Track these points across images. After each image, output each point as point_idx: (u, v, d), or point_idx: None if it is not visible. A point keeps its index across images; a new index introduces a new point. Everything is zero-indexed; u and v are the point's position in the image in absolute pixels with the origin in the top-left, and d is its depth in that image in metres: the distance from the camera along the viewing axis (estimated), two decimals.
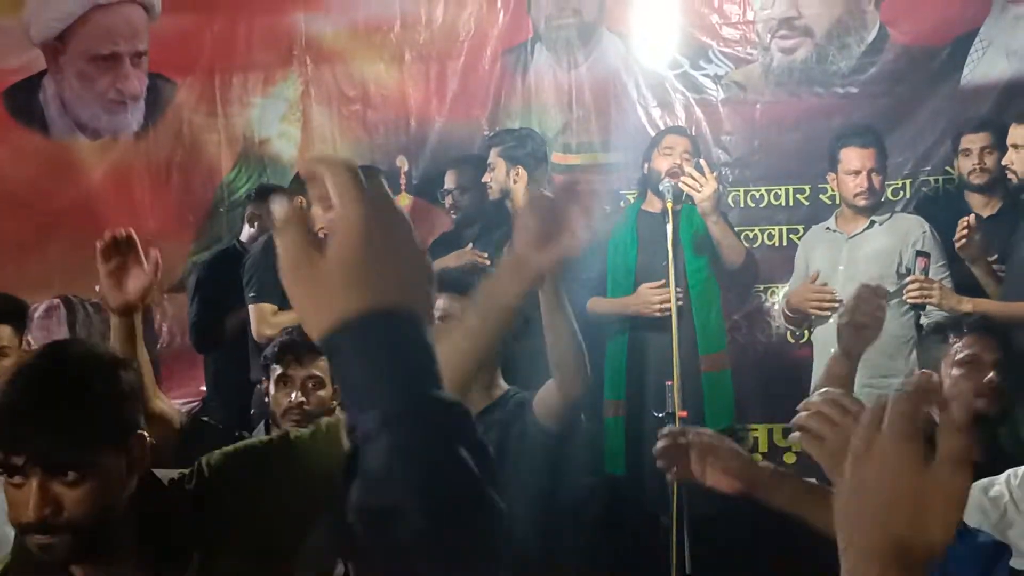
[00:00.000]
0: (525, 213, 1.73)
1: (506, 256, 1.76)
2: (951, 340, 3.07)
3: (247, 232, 5.09)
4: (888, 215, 4.46)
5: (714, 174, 4.56)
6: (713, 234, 4.49)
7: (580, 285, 4.54)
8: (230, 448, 1.93)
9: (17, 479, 1.65)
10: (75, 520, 1.66)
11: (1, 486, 1.76)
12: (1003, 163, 4.31)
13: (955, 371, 3.02)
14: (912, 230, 4.37)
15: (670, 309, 4.30)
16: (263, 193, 5.21)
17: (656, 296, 4.38)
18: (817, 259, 4.51)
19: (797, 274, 4.63)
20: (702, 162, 4.59)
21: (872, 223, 4.40)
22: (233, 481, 1.86)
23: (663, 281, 4.37)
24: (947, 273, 4.29)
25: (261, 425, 3.36)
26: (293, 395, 3.19)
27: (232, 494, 1.84)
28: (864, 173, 4.36)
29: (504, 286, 1.71)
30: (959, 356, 3.03)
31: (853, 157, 4.39)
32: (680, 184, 4.40)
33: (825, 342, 4.43)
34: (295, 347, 3.24)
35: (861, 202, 4.38)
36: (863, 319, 2.72)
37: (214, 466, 1.88)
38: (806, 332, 4.76)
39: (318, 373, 3.23)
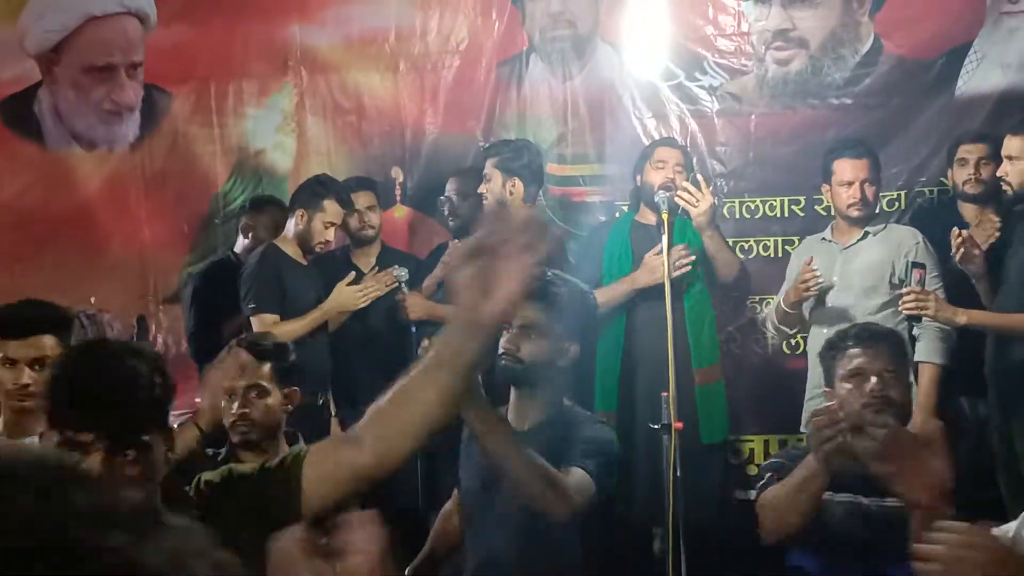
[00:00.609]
0: (462, 264, 1.66)
1: (453, 313, 1.71)
2: (839, 355, 2.97)
3: (241, 243, 5.09)
4: (882, 226, 4.47)
5: (710, 188, 4.57)
6: (708, 248, 4.50)
7: None
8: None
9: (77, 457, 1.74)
10: None
11: None
12: (998, 174, 4.32)
13: (845, 385, 2.91)
14: (905, 241, 4.38)
15: (674, 275, 4.29)
16: (257, 204, 5.20)
17: (660, 260, 4.34)
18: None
19: (789, 283, 4.63)
20: (699, 177, 4.60)
21: (866, 234, 4.41)
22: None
23: (658, 247, 4.37)
24: (940, 284, 4.29)
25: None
26: (234, 407, 3.14)
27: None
28: (857, 184, 4.37)
29: (458, 345, 1.68)
30: (847, 369, 2.92)
31: (846, 168, 4.40)
32: (676, 199, 4.41)
33: (817, 351, 4.43)
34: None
35: (855, 213, 4.39)
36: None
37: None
38: (801, 342, 4.75)
39: (261, 382, 3.16)
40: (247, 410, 3.14)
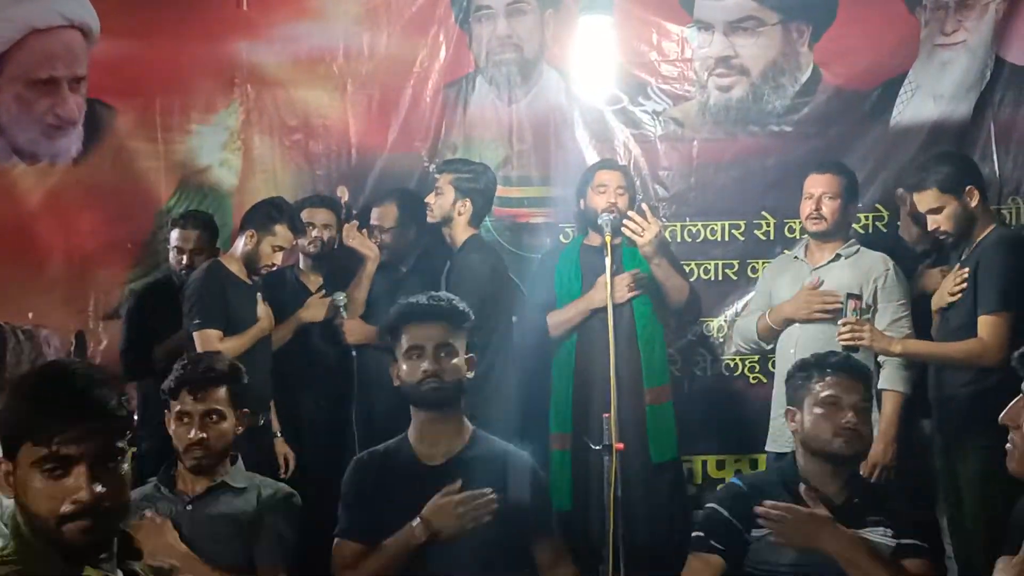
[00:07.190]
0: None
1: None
2: (814, 379, 3.12)
3: (174, 259, 5.04)
4: (855, 249, 4.45)
5: (656, 217, 4.62)
6: (656, 276, 4.55)
7: (532, 308, 4.62)
8: None
9: (58, 471, 1.74)
10: (110, 507, 1.76)
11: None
12: (930, 228, 4.20)
13: (817, 410, 3.07)
14: (875, 266, 4.37)
15: (628, 297, 4.41)
16: (184, 222, 5.10)
17: (615, 280, 4.43)
18: (782, 286, 4.53)
19: (758, 299, 4.68)
20: (644, 206, 4.65)
21: (838, 256, 4.43)
22: None
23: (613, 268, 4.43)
24: (907, 312, 4.32)
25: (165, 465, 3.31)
26: (192, 432, 3.14)
27: None
28: (816, 197, 4.40)
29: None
30: (821, 396, 3.08)
31: (810, 183, 4.44)
32: (623, 229, 4.46)
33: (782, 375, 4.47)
34: (191, 381, 3.19)
35: (811, 227, 4.43)
36: None
37: None
38: (739, 362, 4.82)
39: (217, 406, 3.18)
40: (205, 435, 3.14)
